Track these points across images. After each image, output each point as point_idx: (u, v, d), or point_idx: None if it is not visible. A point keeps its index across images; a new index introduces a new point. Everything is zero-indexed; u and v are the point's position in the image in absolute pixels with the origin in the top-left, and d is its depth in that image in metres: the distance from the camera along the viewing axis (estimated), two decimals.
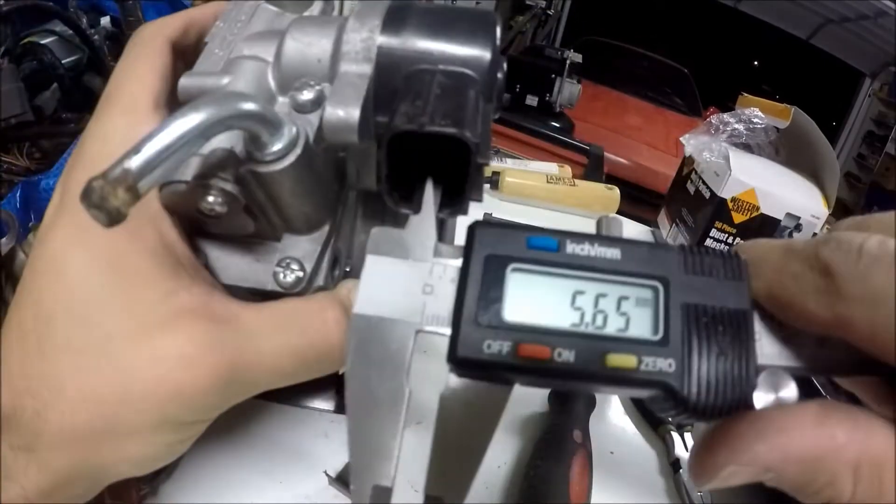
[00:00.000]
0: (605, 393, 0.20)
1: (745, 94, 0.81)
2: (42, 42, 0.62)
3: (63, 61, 0.63)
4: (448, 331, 0.18)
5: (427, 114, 0.21)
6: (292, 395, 0.42)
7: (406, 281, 0.19)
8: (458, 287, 0.18)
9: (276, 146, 0.22)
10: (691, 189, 0.75)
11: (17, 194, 0.50)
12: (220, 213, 0.22)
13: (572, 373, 0.17)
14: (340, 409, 0.42)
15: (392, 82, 0.24)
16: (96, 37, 0.67)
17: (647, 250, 0.19)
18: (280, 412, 0.42)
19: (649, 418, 0.50)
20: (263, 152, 0.22)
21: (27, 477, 0.21)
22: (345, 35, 0.25)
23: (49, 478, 0.21)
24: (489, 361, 0.17)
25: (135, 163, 0.16)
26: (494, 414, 0.18)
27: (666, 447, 0.47)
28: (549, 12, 3.89)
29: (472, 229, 0.19)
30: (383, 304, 0.18)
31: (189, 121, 0.18)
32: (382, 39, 0.24)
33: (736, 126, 0.73)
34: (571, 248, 0.19)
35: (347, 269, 0.31)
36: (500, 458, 0.43)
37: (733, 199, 0.67)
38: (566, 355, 0.17)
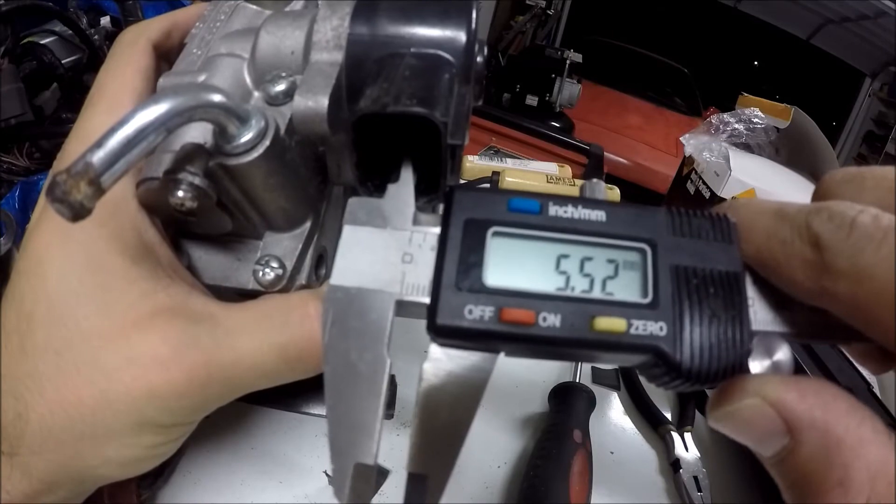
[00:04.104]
0: (594, 362, 0.19)
1: (745, 94, 0.81)
2: (42, 42, 0.62)
3: (63, 61, 0.63)
4: (428, 300, 0.17)
5: (392, 95, 0.20)
6: (288, 401, 0.42)
7: (384, 250, 0.18)
8: (438, 253, 0.17)
9: (245, 138, 0.21)
10: (691, 189, 0.75)
11: (16, 194, 0.50)
12: (190, 208, 0.22)
13: (559, 338, 0.17)
14: None
15: (365, 69, 0.23)
16: (96, 37, 0.67)
17: (634, 212, 0.18)
18: (279, 414, 0.42)
19: (649, 418, 0.50)
20: (232, 145, 0.21)
21: (11, 481, 0.20)
22: (316, 24, 0.24)
23: (32, 482, 0.21)
24: (471, 328, 0.16)
25: (96, 156, 0.16)
26: (478, 386, 0.17)
27: (666, 447, 0.47)
28: (549, 12, 3.90)
29: (451, 193, 0.18)
30: (361, 275, 0.18)
31: (149, 113, 0.18)
32: (353, 26, 0.24)
33: (736, 126, 0.73)
34: (554, 210, 0.18)
35: None
36: (500, 458, 0.43)
37: (733, 199, 0.67)
38: (552, 320, 0.16)
